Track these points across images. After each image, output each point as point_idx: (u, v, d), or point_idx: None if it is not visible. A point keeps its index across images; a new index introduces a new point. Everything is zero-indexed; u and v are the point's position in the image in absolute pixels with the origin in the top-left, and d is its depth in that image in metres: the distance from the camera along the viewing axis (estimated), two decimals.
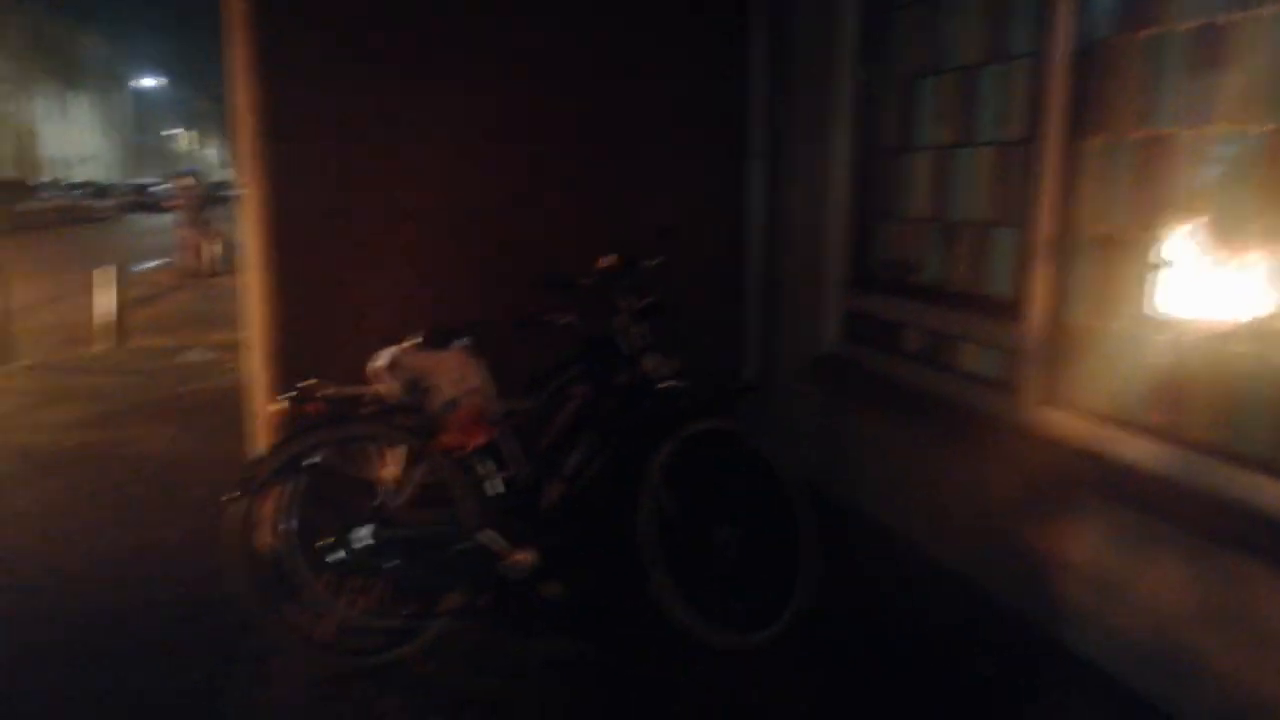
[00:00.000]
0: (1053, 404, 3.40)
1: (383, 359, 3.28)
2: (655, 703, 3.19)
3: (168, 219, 28.09)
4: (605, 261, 3.55)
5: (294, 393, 3.26)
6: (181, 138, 77.82)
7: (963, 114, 3.93)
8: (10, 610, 3.82)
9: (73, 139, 51.95)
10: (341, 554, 3.23)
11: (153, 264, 19.34)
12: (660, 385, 3.49)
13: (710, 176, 4.48)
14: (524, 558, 3.34)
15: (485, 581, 3.35)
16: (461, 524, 3.32)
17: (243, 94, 3.85)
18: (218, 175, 55.16)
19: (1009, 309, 3.57)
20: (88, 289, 10.91)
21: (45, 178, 40.16)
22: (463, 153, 4.06)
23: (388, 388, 3.27)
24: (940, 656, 3.43)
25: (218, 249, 18.34)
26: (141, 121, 66.41)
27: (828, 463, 4.51)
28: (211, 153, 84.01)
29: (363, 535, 3.24)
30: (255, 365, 4.09)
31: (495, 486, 3.36)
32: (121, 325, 10.18)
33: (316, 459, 3.26)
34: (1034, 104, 3.41)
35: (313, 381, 3.31)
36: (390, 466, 3.39)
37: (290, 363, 3.82)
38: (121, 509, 5.04)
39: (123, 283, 10.34)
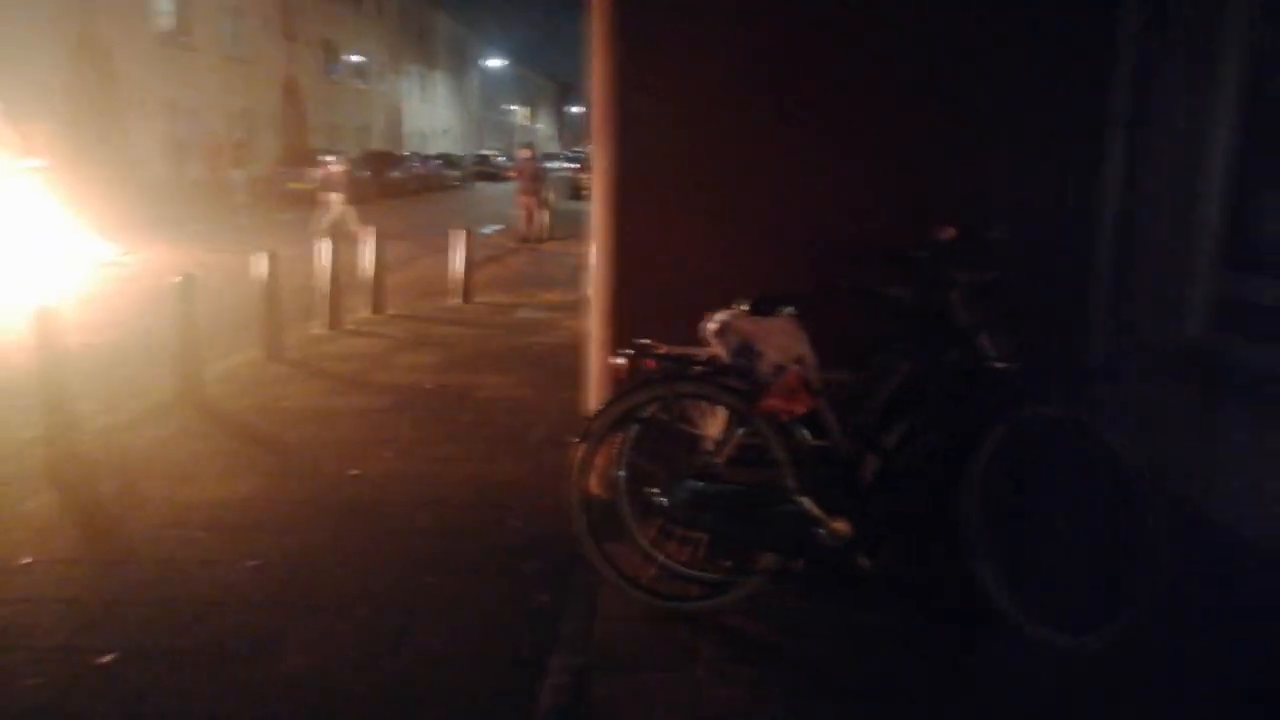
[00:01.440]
0: None
1: (714, 322, 3.41)
2: (969, 689, 3.10)
3: (506, 187, 30.65)
4: (943, 233, 3.44)
5: (632, 350, 3.48)
6: (518, 113, 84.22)
7: None
8: (388, 525, 4.41)
9: (431, 114, 57.88)
10: (666, 504, 3.42)
11: (492, 229, 21.16)
12: (994, 365, 3.34)
13: (1060, 145, 4.19)
14: (841, 527, 3.36)
15: (800, 546, 3.40)
16: (780, 487, 3.39)
17: (599, 68, 4.12)
18: (547, 148, 59.17)
19: None
20: (440, 249, 12.17)
21: (407, 150, 45.10)
22: (807, 130, 4.07)
23: (718, 350, 3.39)
24: None
25: (546, 217, 19.76)
26: (485, 97, 72.56)
27: (1182, 462, 4.10)
28: (541, 126, 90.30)
29: (687, 488, 3.40)
30: (594, 323, 4.38)
31: (814, 454, 3.39)
32: (468, 283, 11.28)
33: (649, 413, 3.46)
34: None
35: (649, 341, 3.52)
36: (715, 424, 3.53)
37: (627, 322, 4.07)
38: (474, 444, 5.63)
39: (470, 245, 11.43)
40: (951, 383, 3.42)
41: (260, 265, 7.93)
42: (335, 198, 17.52)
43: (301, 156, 30.64)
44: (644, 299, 4.10)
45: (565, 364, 7.25)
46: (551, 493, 4.63)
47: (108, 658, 3.20)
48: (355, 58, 43.77)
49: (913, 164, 4.05)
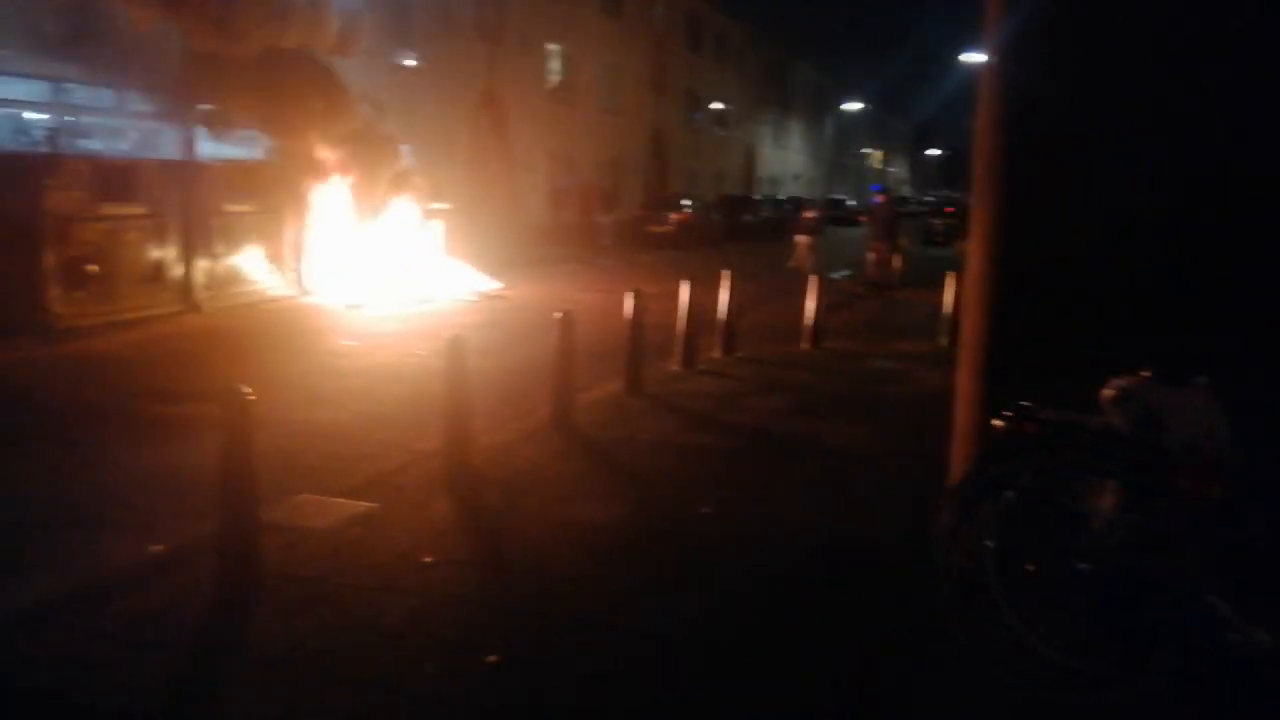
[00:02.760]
0: None
1: (1114, 389, 3.11)
2: None
3: (856, 232, 30.43)
4: None
5: (1013, 411, 3.26)
6: (871, 156, 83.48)
7: None
8: (742, 554, 4.48)
9: (783, 159, 59.08)
10: (1045, 583, 3.15)
11: (842, 274, 21.05)
12: None
13: None
14: (1261, 637, 2.90)
15: (1205, 651, 2.98)
16: (1185, 580, 3.00)
17: (985, 113, 3.95)
18: (900, 192, 58.04)
19: None
20: (789, 293, 12.29)
21: (759, 194, 46.30)
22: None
23: (1116, 419, 3.09)
24: None
25: (899, 263, 19.30)
26: (838, 141, 72.77)
27: None
28: (895, 170, 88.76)
29: (1071, 569, 3.11)
30: (962, 377, 4.18)
31: (1228, 545, 2.97)
32: (818, 328, 11.26)
33: (1027, 482, 3.22)
34: None
35: (1030, 403, 3.28)
36: (1107, 501, 3.21)
37: (1003, 380, 3.83)
38: (823, 493, 5.58)
39: (820, 290, 11.42)
40: None
41: (626, 304, 8.45)
42: (803, 240, 20.97)
43: (661, 201, 32.50)
44: (1022, 355, 3.84)
45: (921, 418, 6.97)
46: (907, 554, 4.45)
47: (493, 658, 3.51)
48: (716, 105, 45.78)
49: None
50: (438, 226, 16.00)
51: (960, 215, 32.60)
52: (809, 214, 23.23)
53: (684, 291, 9.90)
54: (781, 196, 47.52)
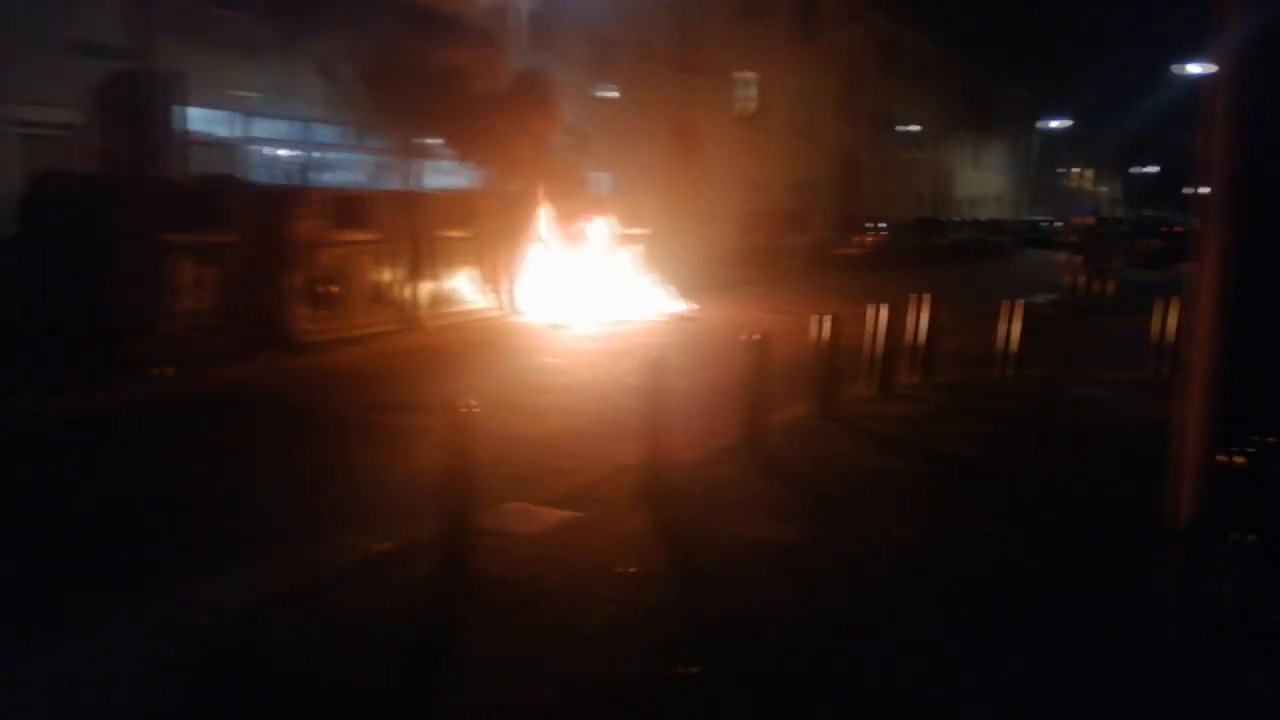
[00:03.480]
0: None
1: None
2: None
3: (1057, 255, 28.91)
4: None
5: (1252, 447, 3.07)
6: (1074, 175, 78.91)
7: None
8: (937, 585, 4.40)
9: (980, 179, 56.85)
10: None
11: (1044, 297, 20.05)
12: None
13: None
14: None
15: None
16: None
17: (1218, 128, 3.75)
18: (1111, 211, 54.58)
19: None
20: (985, 317, 11.82)
21: (954, 216, 44.79)
22: None
23: None
24: None
25: (1108, 287, 18.21)
26: (1041, 161, 69.29)
27: None
28: (1104, 189, 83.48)
29: None
30: (1189, 409, 3.95)
31: None
32: (1018, 353, 10.80)
33: (1273, 523, 3.03)
34: None
35: (1272, 439, 3.08)
36: None
37: (1237, 412, 3.60)
38: (1031, 528, 5.40)
39: (1020, 314, 10.94)
40: None
41: (818, 326, 8.42)
42: (1075, 259, 20.47)
43: (852, 224, 32.03)
44: (1261, 386, 3.60)
45: (1131, 451, 6.58)
46: (1121, 595, 4.24)
47: (693, 669, 3.62)
48: (911, 127, 44.71)
49: None
50: (635, 250, 16.48)
51: (1176, 235, 30.36)
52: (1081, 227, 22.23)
53: (878, 314, 9.76)
54: (980, 218, 45.75)
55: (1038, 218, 53.96)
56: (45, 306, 9.53)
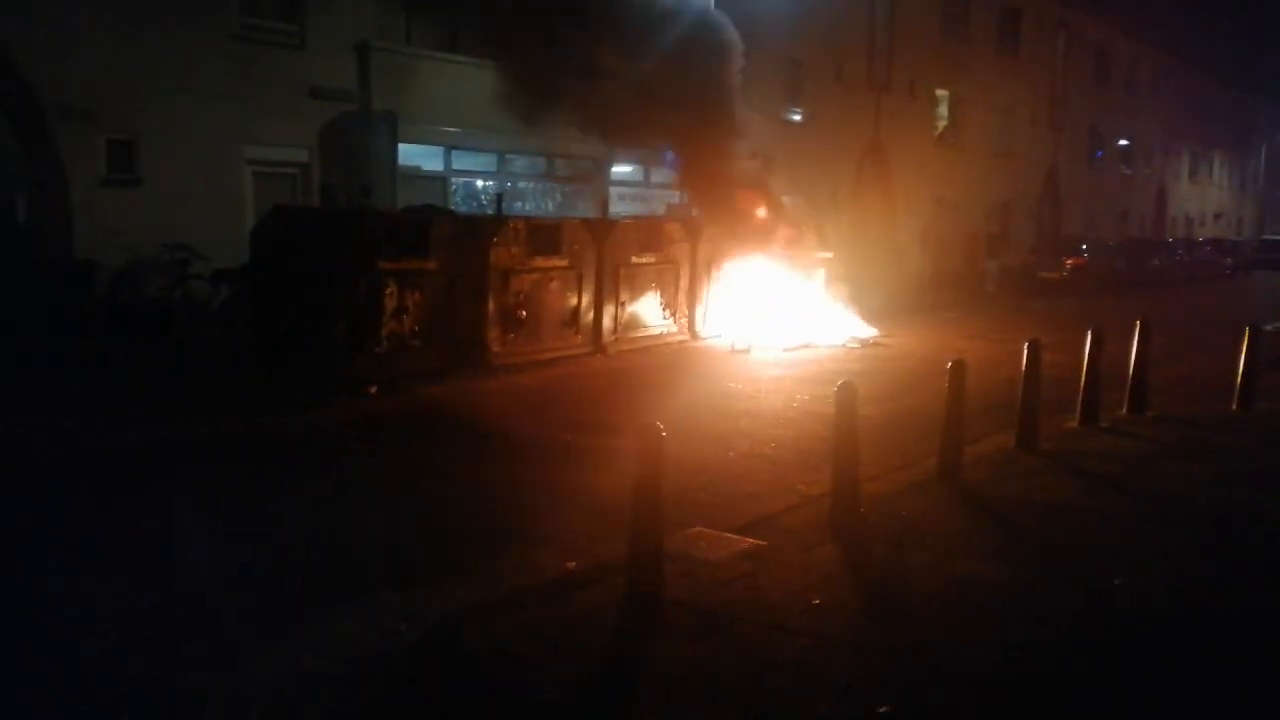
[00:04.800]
0: None
1: None
2: None
3: None
4: None
5: None
6: None
7: None
8: (1169, 642, 4.06)
9: (1200, 197, 52.65)
10: None
11: (1272, 326, 18.28)
12: None
13: None
14: None
15: None
16: None
17: None
18: None
19: None
20: (1208, 346, 10.87)
21: (1170, 236, 41.62)
22: None
23: None
24: None
25: None
26: (1272, 175, 63.39)
27: None
28: None
29: None
30: None
31: None
32: (1249, 386, 9.87)
33: None
34: None
35: None
36: None
37: None
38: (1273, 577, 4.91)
39: (1252, 342, 10.00)
40: None
41: (1019, 353, 8.00)
42: None
43: (1054, 245, 30.36)
44: None
45: None
46: None
47: (884, 709, 3.49)
48: (1121, 142, 42.02)
49: None
50: (821, 274, 16.24)
51: None
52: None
53: (1087, 341, 9.17)
54: (1200, 238, 42.30)
55: (1270, 236, 49.29)
56: (273, 329, 10.40)
